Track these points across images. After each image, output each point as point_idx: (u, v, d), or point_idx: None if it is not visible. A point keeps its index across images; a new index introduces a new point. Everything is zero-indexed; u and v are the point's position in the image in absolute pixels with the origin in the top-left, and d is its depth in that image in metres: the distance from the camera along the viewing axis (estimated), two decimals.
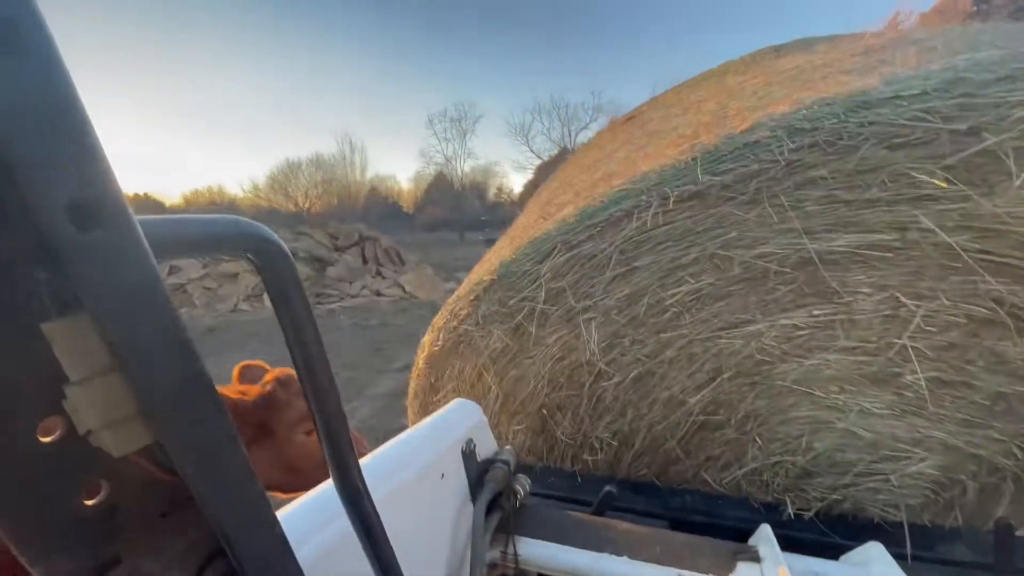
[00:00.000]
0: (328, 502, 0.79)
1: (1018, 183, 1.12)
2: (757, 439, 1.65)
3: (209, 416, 0.33)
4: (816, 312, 1.42)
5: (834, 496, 1.60)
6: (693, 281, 1.48)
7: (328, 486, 0.84)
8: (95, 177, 0.27)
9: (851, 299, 1.38)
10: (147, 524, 0.35)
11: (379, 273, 16.06)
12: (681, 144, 1.49)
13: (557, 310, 1.70)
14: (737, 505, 1.72)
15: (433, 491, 1.09)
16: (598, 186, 1.63)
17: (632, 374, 1.71)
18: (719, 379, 1.61)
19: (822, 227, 1.32)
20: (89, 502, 0.32)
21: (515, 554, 1.19)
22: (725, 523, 1.64)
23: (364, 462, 0.98)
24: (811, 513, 1.62)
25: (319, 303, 13.16)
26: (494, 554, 1.20)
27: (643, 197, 1.42)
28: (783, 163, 1.28)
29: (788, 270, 1.39)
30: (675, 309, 1.56)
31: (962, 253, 1.23)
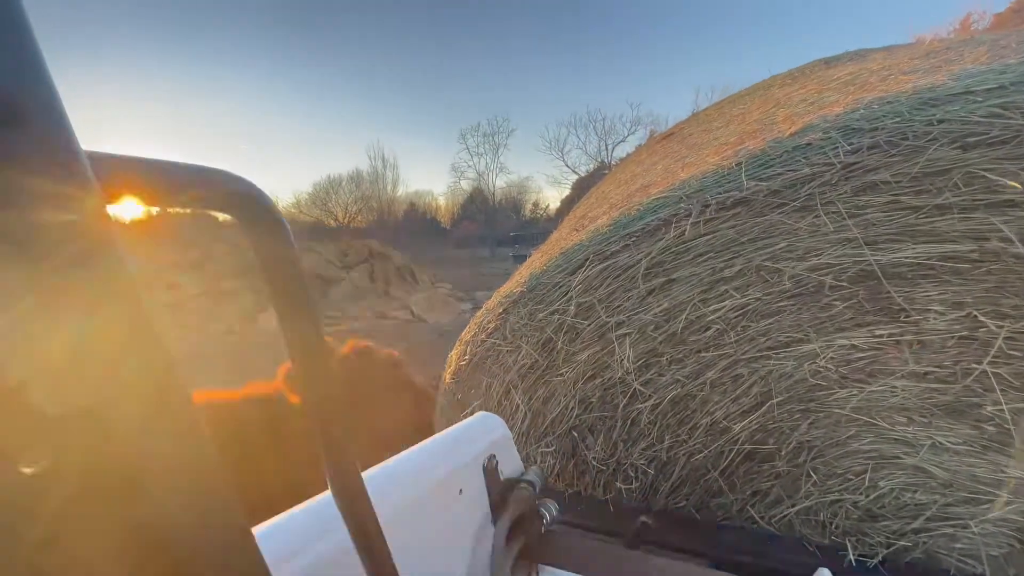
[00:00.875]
0: (326, 510, 0.72)
1: None
2: (812, 473, 1.49)
3: None
4: (879, 332, 1.27)
5: (902, 542, 1.41)
6: (738, 295, 1.37)
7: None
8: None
9: (920, 318, 1.23)
10: None
11: (387, 293, 15.28)
12: (724, 151, 1.40)
13: (589, 324, 1.61)
14: (789, 547, 1.54)
15: (450, 507, 1.01)
16: (634, 197, 1.55)
17: (670, 396, 1.59)
18: (768, 404, 1.47)
19: (885, 236, 1.19)
20: None
21: None
22: (775, 566, 1.47)
23: (375, 471, 0.91)
24: (875, 561, 1.44)
25: None
26: None
27: (682, 205, 1.34)
28: (838, 166, 1.17)
29: (846, 284, 1.25)
30: (718, 326, 1.44)
31: None
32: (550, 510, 1.19)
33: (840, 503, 1.47)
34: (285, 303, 0.43)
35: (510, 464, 1.22)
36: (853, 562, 1.43)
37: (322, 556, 0.67)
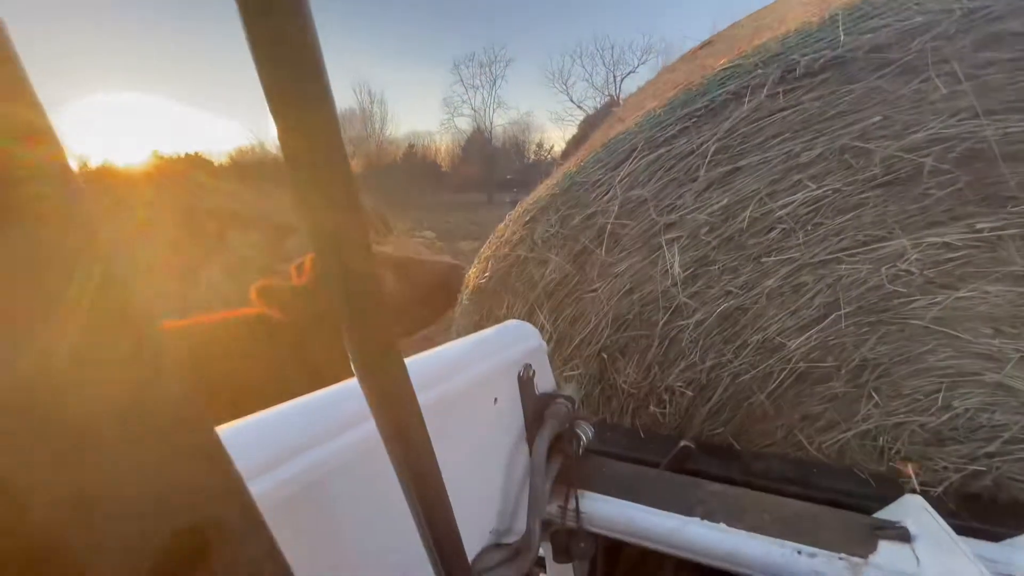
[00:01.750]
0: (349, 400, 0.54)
1: None
2: (874, 394, 1.34)
3: None
4: (980, 225, 1.09)
5: (973, 467, 1.27)
6: (813, 186, 1.18)
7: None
8: None
9: None
10: None
11: None
12: (810, 9, 1.18)
13: (633, 228, 1.42)
14: (835, 475, 1.41)
15: (484, 416, 0.85)
16: (694, 76, 1.33)
17: (719, 310, 1.42)
18: (832, 317, 1.30)
19: (1005, 104, 1.00)
20: None
21: (577, 510, 0.95)
22: (821, 495, 1.34)
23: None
24: (939, 490, 1.30)
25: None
26: (551, 509, 0.96)
27: (759, 71, 1.12)
28: (959, 13, 0.96)
29: (949, 167, 1.06)
30: (784, 226, 1.25)
31: None
32: (587, 432, 1.05)
33: (903, 426, 1.32)
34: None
35: (544, 378, 1.07)
36: (916, 490, 1.30)
37: (331, 457, 0.49)
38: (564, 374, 1.75)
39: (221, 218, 10.19)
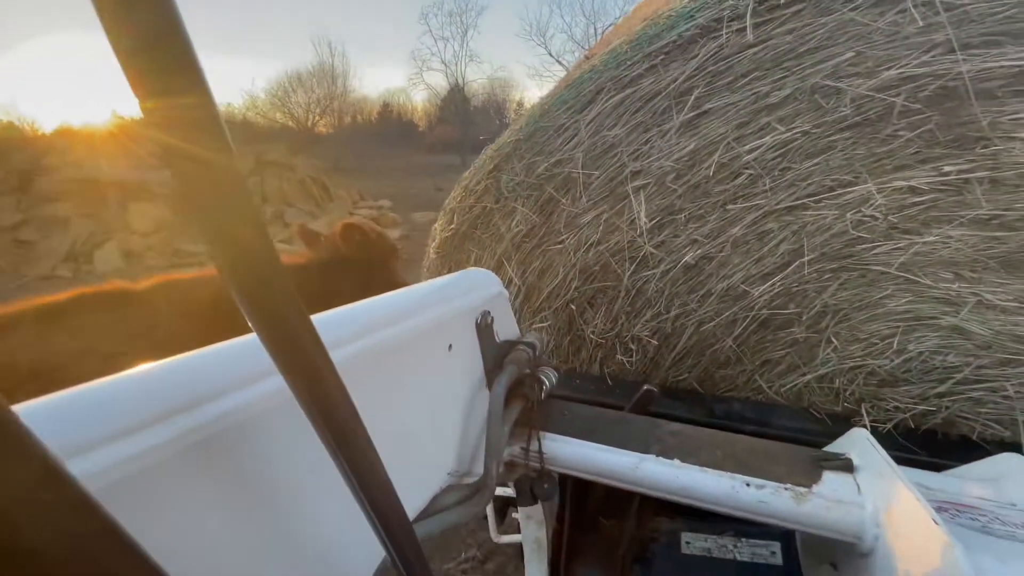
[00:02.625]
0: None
1: None
2: (833, 339, 1.35)
3: None
4: (947, 168, 1.05)
5: (923, 407, 1.31)
6: (782, 129, 1.12)
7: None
8: None
9: (1001, 148, 1.01)
10: None
11: (281, 216, 11.03)
12: None
13: (599, 177, 1.36)
14: (792, 415, 1.44)
15: (436, 364, 0.82)
16: (661, 10, 1.22)
17: (684, 259, 1.39)
18: (795, 264, 1.28)
19: (984, 37, 0.93)
20: None
21: (540, 451, 0.96)
22: (778, 434, 1.38)
23: (332, 313, 0.67)
24: (887, 427, 1.34)
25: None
26: (513, 450, 0.97)
27: (729, 3, 1.03)
28: None
29: (920, 106, 1.01)
30: (751, 171, 1.20)
31: None
32: (549, 377, 1.04)
33: (859, 369, 1.34)
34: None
35: (506, 326, 1.05)
36: (867, 427, 1.33)
37: (240, 408, 0.44)
38: (534, 326, 1.74)
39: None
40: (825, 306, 1.32)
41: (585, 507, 1.49)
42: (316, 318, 0.55)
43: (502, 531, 1.63)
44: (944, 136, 1.03)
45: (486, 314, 0.95)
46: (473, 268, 1.04)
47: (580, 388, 1.63)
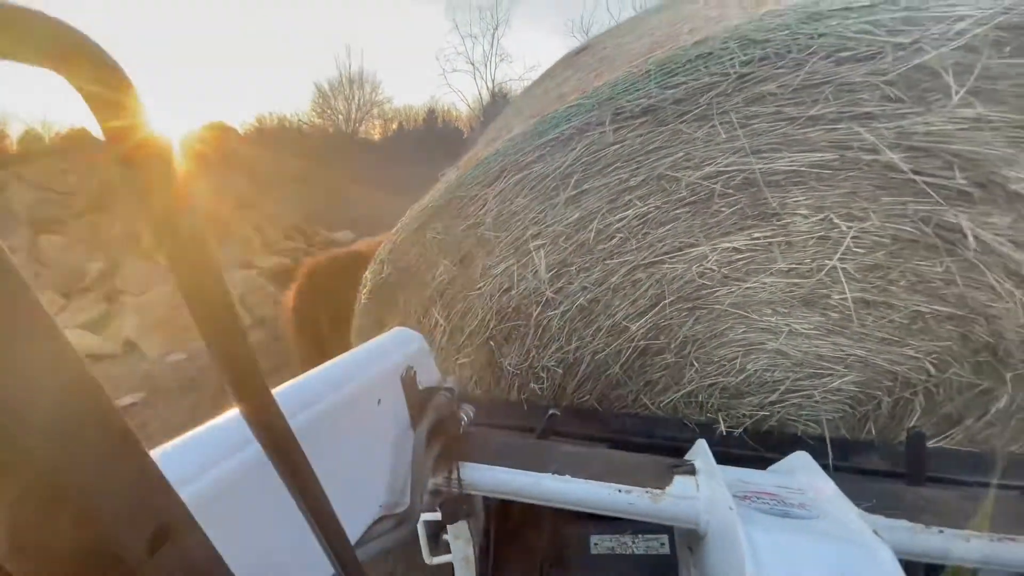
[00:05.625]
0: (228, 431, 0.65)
1: (956, 99, 1.09)
2: (694, 363, 1.65)
3: None
4: (756, 235, 1.39)
5: (762, 413, 1.63)
6: (640, 204, 1.41)
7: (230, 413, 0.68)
8: None
9: (789, 221, 1.35)
10: None
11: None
12: (634, 61, 1.38)
13: (506, 237, 1.59)
14: (673, 425, 1.73)
15: (369, 418, 0.98)
16: (549, 108, 1.50)
17: (578, 302, 1.65)
18: (660, 304, 1.57)
19: (768, 145, 1.27)
20: None
21: (459, 479, 1.12)
22: (662, 443, 1.65)
23: (287, 386, 0.85)
24: (739, 431, 1.66)
25: None
26: (438, 480, 1.12)
27: (595, 113, 1.32)
28: (734, 76, 1.21)
29: (732, 192, 1.34)
30: (622, 235, 1.49)
31: (896, 172, 1.22)
32: (468, 412, 1.22)
33: (715, 385, 1.65)
34: (162, 212, 0.34)
35: (428, 375, 1.21)
36: (723, 433, 1.64)
37: (234, 470, 0.61)
38: (459, 360, 1.93)
39: None
40: (686, 337, 1.62)
41: (508, 522, 1.66)
42: (278, 391, 0.74)
43: (434, 553, 1.76)
44: (751, 212, 1.36)
45: (409, 368, 1.10)
46: (399, 328, 1.21)
47: (501, 414, 1.83)
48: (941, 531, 0.98)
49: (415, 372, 1.13)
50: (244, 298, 7.19)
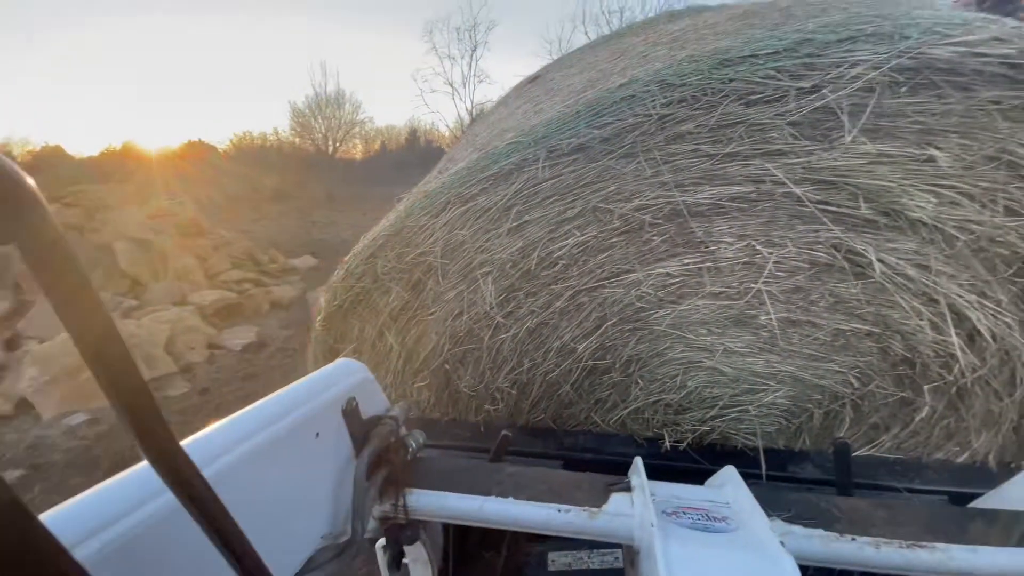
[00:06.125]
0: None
1: (849, 139, 1.19)
2: (639, 380, 1.72)
3: None
4: (686, 261, 1.47)
5: (703, 428, 1.71)
6: (579, 234, 1.48)
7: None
8: None
9: (715, 248, 1.44)
10: None
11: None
12: (568, 100, 1.46)
13: (455, 265, 1.64)
14: (621, 442, 1.79)
15: (307, 451, 1.00)
16: (493, 141, 1.56)
17: (527, 325, 1.70)
18: (604, 326, 1.64)
19: (690, 180, 1.35)
20: None
21: (404, 505, 1.14)
22: (611, 458, 1.71)
23: (219, 425, 0.86)
24: (684, 445, 1.73)
25: None
26: (385, 508, 1.12)
27: (531, 150, 1.38)
28: (656, 117, 1.29)
29: (661, 222, 1.41)
30: (564, 262, 1.55)
31: (807, 204, 1.32)
32: (417, 439, 1.23)
33: (659, 402, 1.73)
34: (64, 292, 0.36)
35: (374, 405, 1.22)
36: (668, 448, 1.71)
37: (144, 521, 0.63)
38: (416, 384, 1.96)
39: None
40: (630, 356, 1.69)
41: (466, 544, 1.69)
42: (210, 429, 0.77)
43: None
44: (680, 240, 1.44)
45: (351, 400, 1.11)
46: (342, 359, 1.24)
47: (459, 436, 1.86)
48: (854, 539, 1.04)
49: (356, 403, 1.15)
50: (173, 341, 6.21)
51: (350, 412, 1.13)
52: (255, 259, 10.29)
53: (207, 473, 0.52)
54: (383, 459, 1.14)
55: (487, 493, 1.12)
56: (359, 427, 1.15)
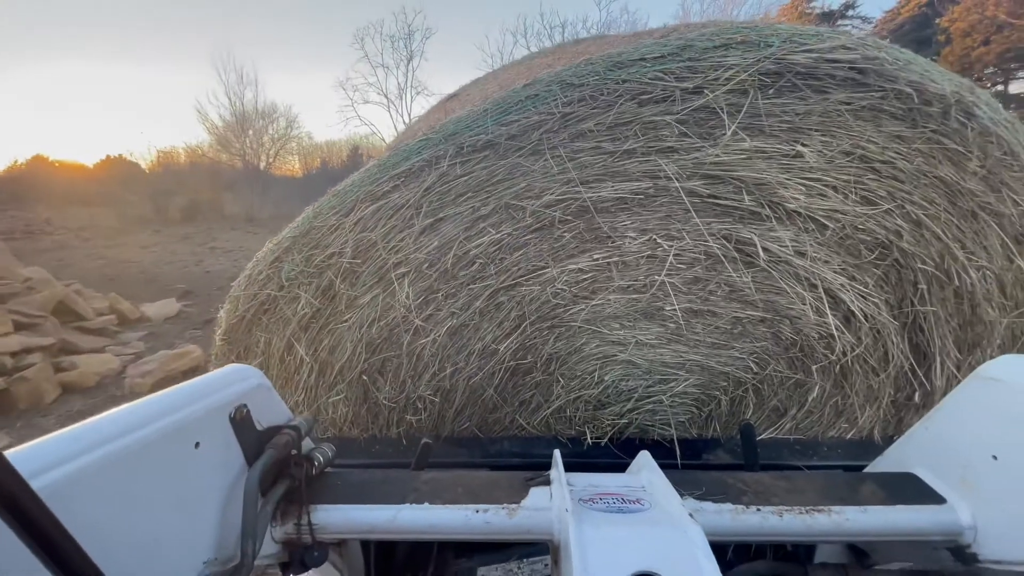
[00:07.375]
0: None
1: (728, 135, 1.31)
2: (560, 378, 1.73)
3: None
4: (596, 256, 1.52)
5: (622, 421, 1.74)
6: (494, 231, 1.49)
7: None
8: None
9: (621, 242, 1.51)
10: None
11: None
12: (478, 102, 1.49)
13: (368, 266, 1.58)
14: (546, 443, 1.78)
15: (184, 463, 0.88)
16: (405, 140, 1.55)
17: (447, 327, 1.67)
18: (523, 325, 1.65)
19: (593, 176, 1.42)
20: None
21: (309, 524, 1.04)
22: (537, 460, 1.69)
23: (66, 431, 0.74)
24: (605, 440, 1.75)
25: None
26: (287, 528, 1.02)
27: (441, 147, 1.39)
28: (559, 115, 1.35)
29: (571, 218, 1.46)
30: (481, 260, 1.55)
31: (697, 198, 1.42)
32: (325, 453, 1.13)
33: (580, 399, 1.75)
34: None
35: (272, 414, 1.11)
36: (591, 443, 1.72)
37: None
38: (330, 399, 1.84)
39: None
40: (550, 354, 1.70)
41: (391, 564, 1.57)
42: (44, 439, 0.65)
43: None
44: (589, 236, 1.50)
45: (241, 407, 1.00)
46: (232, 365, 1.12)
47: (379, 453, 1.76)
48: (759, 509, 1.09)
49: (247, 411, 1.04)
50: None
51: (240, 420, 1.01)
52: (76, 311, 7.57)
53: (38, 485, 0.45)
54: (283, 473, 1.04)
55: (401, 501, 1.05)
56: (252, 438, 1.04)
